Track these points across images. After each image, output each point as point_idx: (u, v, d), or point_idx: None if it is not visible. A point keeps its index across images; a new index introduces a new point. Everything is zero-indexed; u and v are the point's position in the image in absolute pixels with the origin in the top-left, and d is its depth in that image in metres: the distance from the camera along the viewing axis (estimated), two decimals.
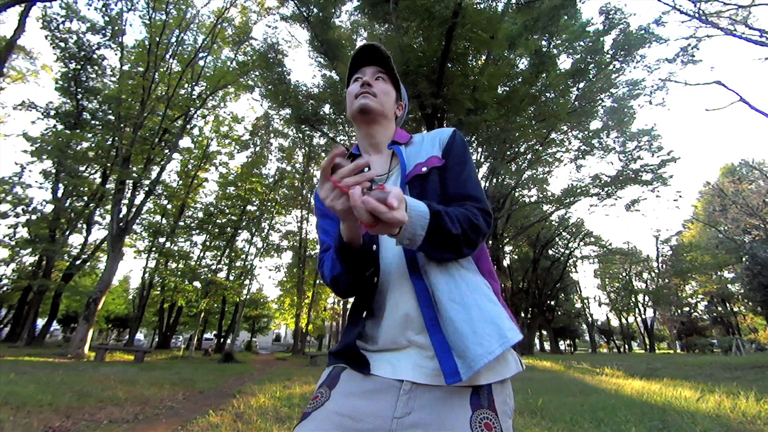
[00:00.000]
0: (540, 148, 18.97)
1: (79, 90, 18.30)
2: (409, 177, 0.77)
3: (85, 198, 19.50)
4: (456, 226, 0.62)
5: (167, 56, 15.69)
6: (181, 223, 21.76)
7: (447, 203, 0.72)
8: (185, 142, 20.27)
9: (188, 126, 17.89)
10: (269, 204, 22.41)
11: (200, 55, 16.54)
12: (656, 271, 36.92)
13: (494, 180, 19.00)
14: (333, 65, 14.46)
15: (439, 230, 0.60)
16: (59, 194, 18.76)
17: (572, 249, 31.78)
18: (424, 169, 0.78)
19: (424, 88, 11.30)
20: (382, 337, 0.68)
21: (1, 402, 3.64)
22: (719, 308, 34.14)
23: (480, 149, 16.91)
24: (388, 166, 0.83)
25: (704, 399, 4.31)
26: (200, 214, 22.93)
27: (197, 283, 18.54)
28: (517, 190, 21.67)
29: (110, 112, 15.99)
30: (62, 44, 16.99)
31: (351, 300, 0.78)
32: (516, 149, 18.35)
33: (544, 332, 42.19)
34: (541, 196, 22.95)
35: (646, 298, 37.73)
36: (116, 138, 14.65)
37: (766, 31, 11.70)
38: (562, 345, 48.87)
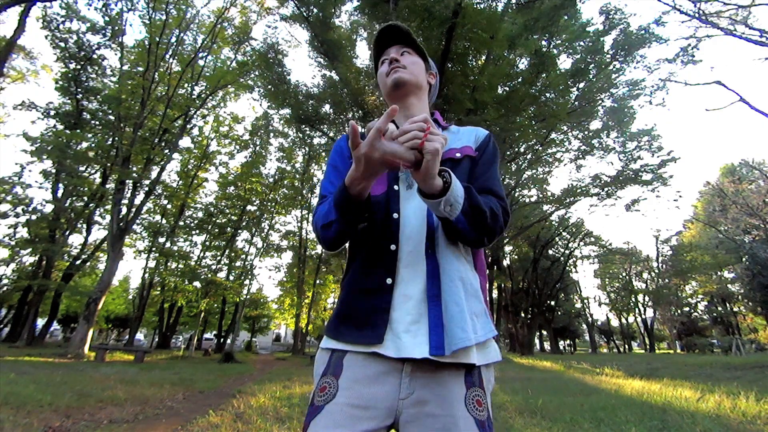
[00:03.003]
0: (540, 148, 18.95)
1: (79, 90, 18.28)
2: (443, 159, 0.79)
3: (85, 198, 19.48)
4: (484, 204, 0.68)
5: (167, 56, 15.68)
6: (181, 223, 21.74)
7: None
8: (185, 142, 20.30)
9: (188, 126, 17.88)
10: (269, 204, 22.39)
11: (200, 55, 16.55)
12: (656, 271, 36.92)
13: None
14: (333, 65, 14.45)
15: (473, 204, 0.66)
16: (59, 194, 18.74)
17: (572, 249, 31.76)
18: (458, 155, 0.82)
19: None
20: (396, 308, 0.68)
21: (1, 402, 3.64)
22: (719, 308, 34.14)
23: None
24: None
25: (704, 399, 4.31)
26: (200, 214, 22.91)
27: (197, 283, 18.52)
28: (517, 190, 21.64)
29: (110, 112, 15.96)
30: (62, 44, 16.98)
31: (358, 264, 0.76)
32: (516, 149, 18.32)
33: (544, 332, 42.19)
34: (541, 196, 22.93)
35: (646, 298, 37.73)
36: (116, 138, 14.64)
37: (766, 31, 11.69)
38: (562, 345, 48.84)
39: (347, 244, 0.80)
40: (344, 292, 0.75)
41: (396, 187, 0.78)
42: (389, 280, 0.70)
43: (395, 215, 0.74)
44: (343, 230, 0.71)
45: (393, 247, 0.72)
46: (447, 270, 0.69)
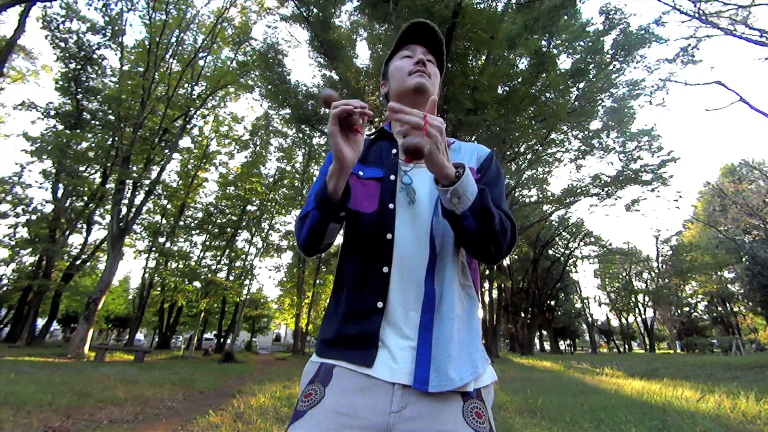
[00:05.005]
0: (540, 148, 18.95)
1: (79, 90, 18.28)
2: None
3: (85, 198, 19.47)
4: (496, 211, 0.65)
5: (167, 56, 15.67)
6: (181, 223, 21.75)
7: None
8: (185, 142, 20.30)
9: (188, 126, 17.88)
10: (269, 204, 22.38)
11: (200, 55, 16.54)
12: (656, 271, 36.94)
13: None
14: (333, 65, 14.46)
15: (484, 206, 0.62)
16: (59, 194, 18.74)
17: (572, 249, 31.77)
18: None
19: None
20: (388, 330, 0.66)
21: (1, 402, 3.64)
22: (719, 308, 34.16)
23: None
24: None
25: (704, 399, 4.31)
26: (200, 214, 22.91)
27: (197, 283, 18.52)
28: (517, 190, 21.65)
29: (110, 112, 15.96)
30: (62, 44, 16.96)
31: (347, 289, 0.73)
32: (516, 149, 18.33)
33: (544, 332, 42.24)
34: (541, 196, 22.94)
35: (646, 298, 37.75)
36: (116, 138, 14.63)
37: (766, 31, 11.70)
38: (562, 345, 48.86)
39: (336, 270, 0.77)
40: (331, 319, 0.71)
41: (391, 206, 0.73)
42: (380, 304, 0.66)
43: (389, 236, 0.70)
44: (318, 219, 0.68)
45: (385, 269, 0.68)
46: (447, 300, 0.65)
